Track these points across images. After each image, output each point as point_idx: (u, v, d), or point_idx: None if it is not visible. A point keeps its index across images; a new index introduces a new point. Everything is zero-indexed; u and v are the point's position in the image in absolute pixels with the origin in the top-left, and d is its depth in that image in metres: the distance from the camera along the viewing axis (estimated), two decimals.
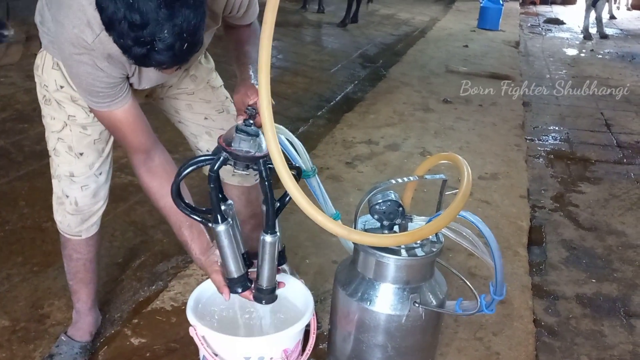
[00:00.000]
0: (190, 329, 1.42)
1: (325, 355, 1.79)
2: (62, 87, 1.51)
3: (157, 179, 1.48)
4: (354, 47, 6.83)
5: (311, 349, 1.54)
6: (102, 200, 1.68)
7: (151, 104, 1.73)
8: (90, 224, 1.69)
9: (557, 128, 4.47)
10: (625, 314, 2.26)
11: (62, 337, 1.83)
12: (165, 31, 1.07)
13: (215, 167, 1.31)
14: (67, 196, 1.62)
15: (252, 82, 1.48)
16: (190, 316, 1.44)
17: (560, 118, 4.70)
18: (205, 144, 1.77)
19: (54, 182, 1.64)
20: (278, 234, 1.38)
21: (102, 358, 1.80)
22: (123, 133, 1.42)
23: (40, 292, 2.14)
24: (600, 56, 7.31)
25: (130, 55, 1.12)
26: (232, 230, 1.38)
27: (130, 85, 1.42)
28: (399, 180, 1.47)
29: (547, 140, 4.19)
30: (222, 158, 1.31)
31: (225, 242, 1.37)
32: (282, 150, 1.64)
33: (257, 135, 1.30)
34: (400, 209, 1.45)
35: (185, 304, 2.00)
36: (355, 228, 1.48)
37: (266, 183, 1.32)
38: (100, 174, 1.64)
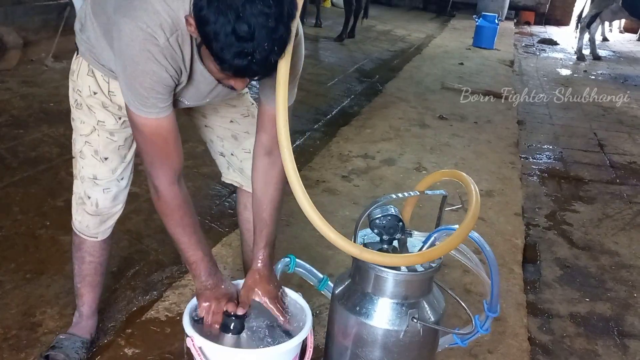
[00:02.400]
0: (187, 340, 1.41)
1: None
2: (95, 93, 1.55)
3: (186, 196, 1.47)
4: (350, 62, 6.88)
5: None
6: (120, 204, 1.73)
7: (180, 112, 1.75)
8: (107, 227, 1.74)
9: (551, 147, 4.51)
10: (619, 334, 2.27)
11: (62, 335, 1.83)
12: (266, 44, 1.14)
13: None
14: (89, 197, 1.66)
15: (264, 273, 1.56)
16: (187, 326, 1.43)
17: (554, 137, 4.75)
18: (230, 146, 1.78)
19: (76, 182, 1.68)
20: None
21: None
22: (166, 145, 1.38)
23: (32, 299, 2.12)
24: (593, 77, 7.40)
25: (230, 67, 1.17)
26: None
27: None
28: (400, 195, 1.47)
29: (541, 159, 4.22)
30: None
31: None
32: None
33: None
34: (400, 223, 1.46)
35: (179, 314, 2.00)
36: (355, 242, 1.47)
37: None
38: (122, 179, 1.69)
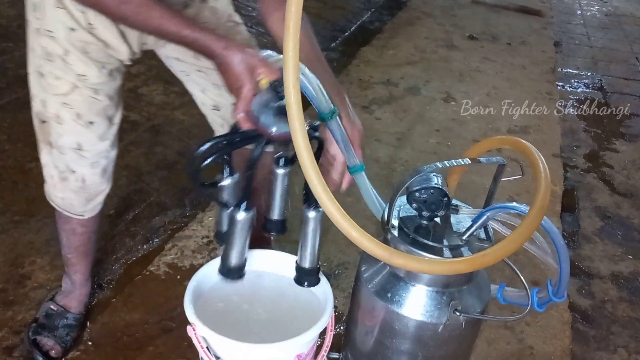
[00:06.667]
0: (189, 328, 1.20)
1: (337, 342, 1.59)
2: (73, 29, 1.19)
3: None
4: None
5: (327, 350, 1.33)
6: (110, 180, 1.45)
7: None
8: (96, 203, 1.47)
9: (589, 74, 4.12)
10: None
11: (52, 307, 1.62)
12: None
13: (256, 154, 1.02)
14: (74, 172, 1.36)
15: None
16: (190, 312, 1.21)
17: (592, 62, 4.35)
18: (216, 97, 1.43)
19: (52, 152, 1.35)
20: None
21: (88, 336, 1.60)
22: None
23: (20, 247, 1.92)
24: None
25: None
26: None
27: None
28: (447, 163, 1.20)
29: (578, 88, 3.86)
30: (263, 142, 1.03)
31: (240, 231, 1.12)
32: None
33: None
34: (445, 199, 1.20)
35: (182, 273, 1.80)
36: (389, 218, 1.23)
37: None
38: (113, 149, 1.40)
